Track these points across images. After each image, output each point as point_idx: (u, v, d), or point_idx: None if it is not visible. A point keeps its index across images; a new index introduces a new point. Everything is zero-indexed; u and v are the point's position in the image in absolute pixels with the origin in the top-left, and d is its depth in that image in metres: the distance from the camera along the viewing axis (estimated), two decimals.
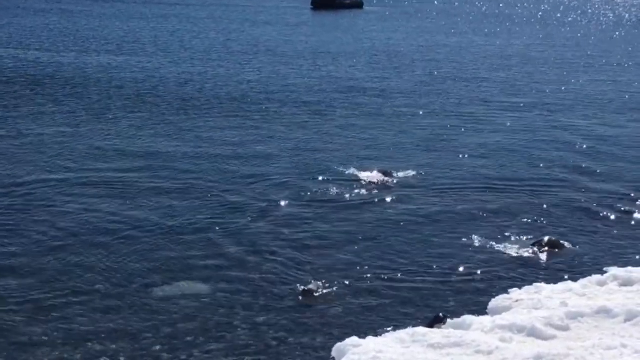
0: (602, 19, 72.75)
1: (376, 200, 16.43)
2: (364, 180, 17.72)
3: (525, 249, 13.68)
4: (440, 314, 10.91)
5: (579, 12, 79.40)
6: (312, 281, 12.21)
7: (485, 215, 15.66)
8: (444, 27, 59.04)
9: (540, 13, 77.60)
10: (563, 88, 31.87)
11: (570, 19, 70.99)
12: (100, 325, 10.75)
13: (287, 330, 10.77)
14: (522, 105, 27.86)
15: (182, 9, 66.09)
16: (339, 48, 43.12)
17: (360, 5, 77.36)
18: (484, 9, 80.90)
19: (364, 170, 18.40)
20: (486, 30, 57.61)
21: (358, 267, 12.92)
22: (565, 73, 36.25)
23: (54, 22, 52.25)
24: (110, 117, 23.96)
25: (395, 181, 17.84)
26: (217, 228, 14.50)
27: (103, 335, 10.47)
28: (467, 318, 10.40)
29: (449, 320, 10.60)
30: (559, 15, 75.94)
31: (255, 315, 11.15)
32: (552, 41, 51.46)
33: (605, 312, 10.04)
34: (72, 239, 13.82)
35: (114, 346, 10.20)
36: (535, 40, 51.52)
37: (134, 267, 12.68)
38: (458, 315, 10.83)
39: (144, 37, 45.46)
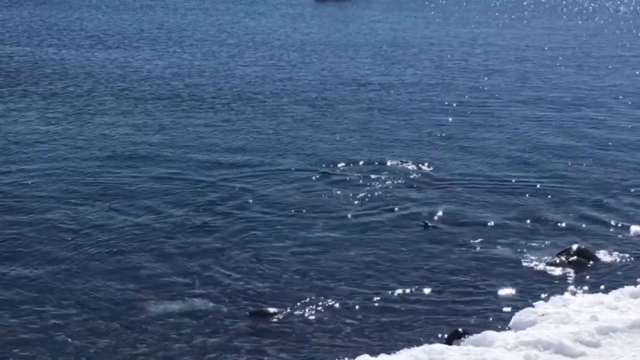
0: (623, 8, 72.83)
1: (387, 203, 16.36)
2: (373, 181, 17.69)
3: (552, 258, 13.58)
4: (459, 329, 10.86)
5: (599, 1, 79.48)
6: (319, 296, 12.14)
7: (507, 220, 15.59)
8: (454, 17, 59.08)
9: (557, 1, 77.66)
10: (588, 81, 31.84)
11: (590, 8, 71.07)
12: (90, 344, 10.68)
13: (292, 349, 10.69)
14: (540, 99, 27.81)
15: None
16: (344, 40, 43.12)
17: None
18: None
19: (372, 169, 18.39)
20: (499, 19, 57.65)
21: (368, 279, 12.84)
22: (585, 65, 36.21)
23: (32, 15, 52.20)
24: (91, 114, 23.92)
25: (406, 181, 17.78)
26: (212, 237, 14.44)
27: (93, 356, 10.41)
28: (489, 334, 10.37)
29: (468, 336, 10.56)
30: (578, 3, 76.06)
31: (258, 333, 11.06)
32: (569, 31, 51.45)
33: (639, 327, 10.01)
34: (56, 249, 13.76)
35: None
36: (551, 31, 51.50)
37: (122, 282, 12.60)
38: (478, 330, 10.78)
39: (128, 30, 45.42)
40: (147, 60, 34.53)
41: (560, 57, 38.67)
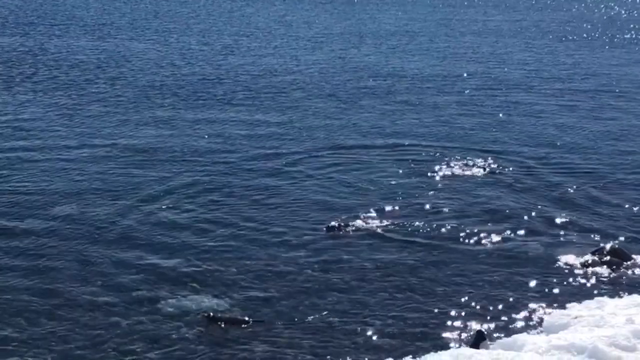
0: None
1: (408, 198, 16.27)
2: (395, 175, 17.72)
3: (585, 258, 13.45)
4: (482, 330, 10.79)
5: None
6: (343, 299, 12.07)
7: (538, 217, 15.48)
8: (467, 4, 59.24)
9: None
10: (623, 70, 31.84)
11: None
12: (103, 343, 10.70)
13: (315, 352, 10.63)
14: (575, 90, 27.82)
15: None
16: (356, 28, 43.16)
17: None
18: None
19: (392, 162, 18.48)
20: (514, 8, 57.76)
21: (393, 281, 12.73)
22: (613, 51, 36.25)
23: (28, 2, 52.24)
24: (96, 109, 23.91)
25: (429, 175, 17.78)
26: (225, 236, 14.40)
27: (106, 354, 10.43)
28: (519, 337, 10.33)
29: (498, 340, 10.49)
30: None
31: (277, 338, 10.99)
32: (590, 18, 51.43)
33: None
34: (68, 244, 13.79)
35: None
36: (572, 17, 51.54)
37: (136, 278, 12.60)
38: (509, 334, 10.72)
39: (124, 18, 45.46)
40: (144, 50, 34.45)
41: (578, 45, 38.71)
